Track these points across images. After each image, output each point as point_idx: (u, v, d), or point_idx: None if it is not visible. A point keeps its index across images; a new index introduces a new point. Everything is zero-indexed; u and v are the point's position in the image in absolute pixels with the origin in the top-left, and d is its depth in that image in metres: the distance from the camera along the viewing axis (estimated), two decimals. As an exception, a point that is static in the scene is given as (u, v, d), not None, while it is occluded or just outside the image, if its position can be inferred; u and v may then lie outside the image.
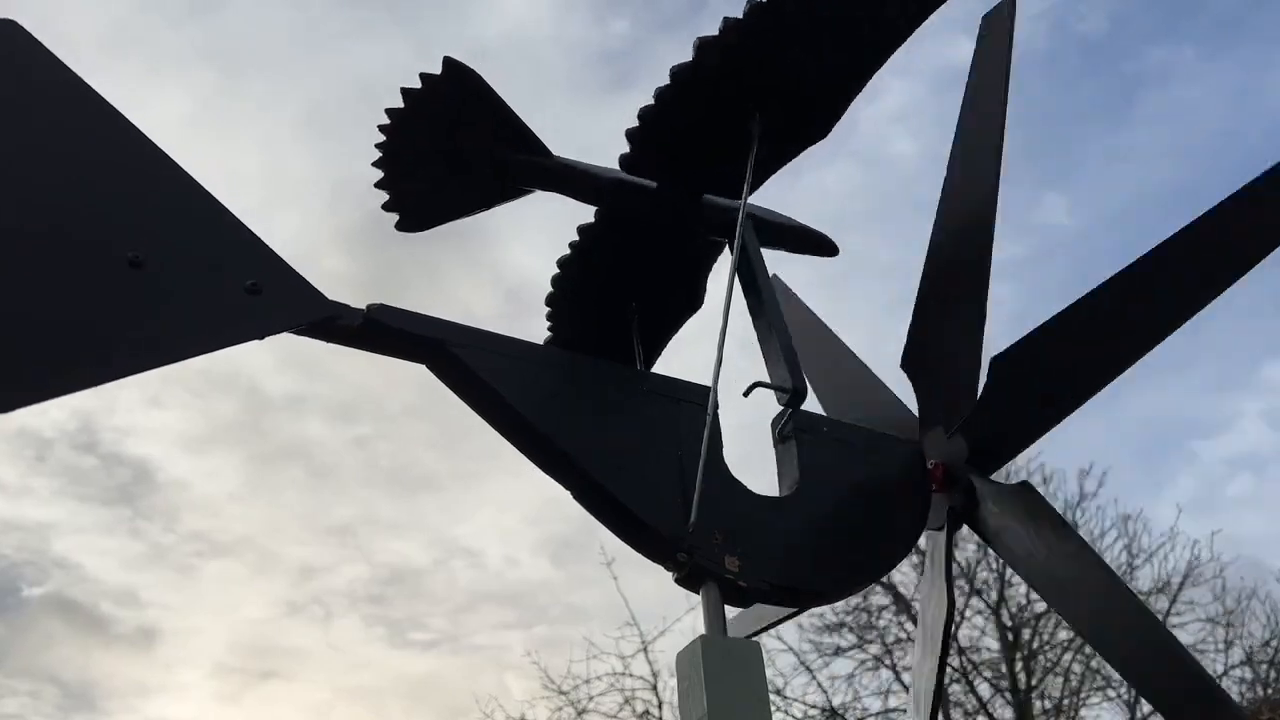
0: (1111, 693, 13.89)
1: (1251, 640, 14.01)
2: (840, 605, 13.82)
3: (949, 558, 2.60)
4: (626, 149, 2.45)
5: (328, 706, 18.27)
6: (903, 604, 14.27)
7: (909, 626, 14.26)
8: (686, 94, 2.34)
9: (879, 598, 14.14)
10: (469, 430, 2.34)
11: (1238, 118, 20.18)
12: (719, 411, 2.28)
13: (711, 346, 2.27)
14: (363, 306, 2.02)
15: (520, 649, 22.46)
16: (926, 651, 2.61)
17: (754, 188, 2.53)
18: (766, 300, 2.45)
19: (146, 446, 17.51)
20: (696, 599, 2.13)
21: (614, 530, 2.15)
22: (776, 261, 2.82)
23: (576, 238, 2.70)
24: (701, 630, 2.08)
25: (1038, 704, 14.11)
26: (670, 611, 15.49)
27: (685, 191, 2.55)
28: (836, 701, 14.02)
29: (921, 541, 2.61)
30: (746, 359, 2.51)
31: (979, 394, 2.53)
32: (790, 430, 2.39)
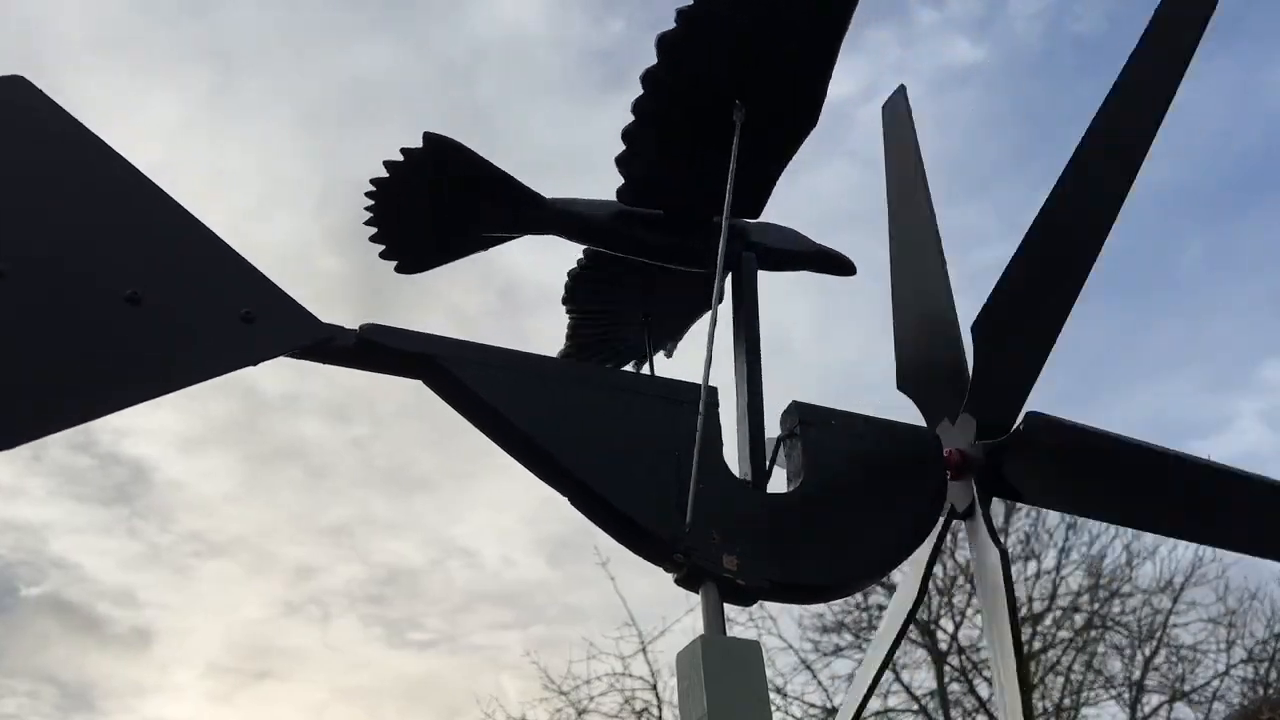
0: (1112, 692, 13.91)
1: (1252, 639, 14.02)
2: (840, 605, 13.86)
3: (938, 548, 2.62)
4: (622, 166, 2.45)
5: (325, 706, 18.28)
6: (903, 604, 14.26)
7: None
8: (663, 95, 2.33)
9: (879, 597, 14.16)
10: (465, 430, 2.36)
11: (1235, 117, 20.21)
12: (718, 411, 2.28)
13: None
14: (355, 326, 2.08)
15: (518, 649, 22.50)
16: (880, 644, 2.75)
17: (760, 195, 2.53)
18: (752, 375, 2.43)
19: (143, 447, 17.53)
20: (696, 599, 2.13)
21: (612, 534, 2.16)
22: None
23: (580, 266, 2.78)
24: (701, 630, 2.08)
25: (1038, 704, 14.10)
26: (669, 611, 15.50)
27: (692, 217, 2.54)
28: (836, 701, 14.02)
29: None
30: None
31: (971, 369, 2.61)
32: (795, 425, 2.39)
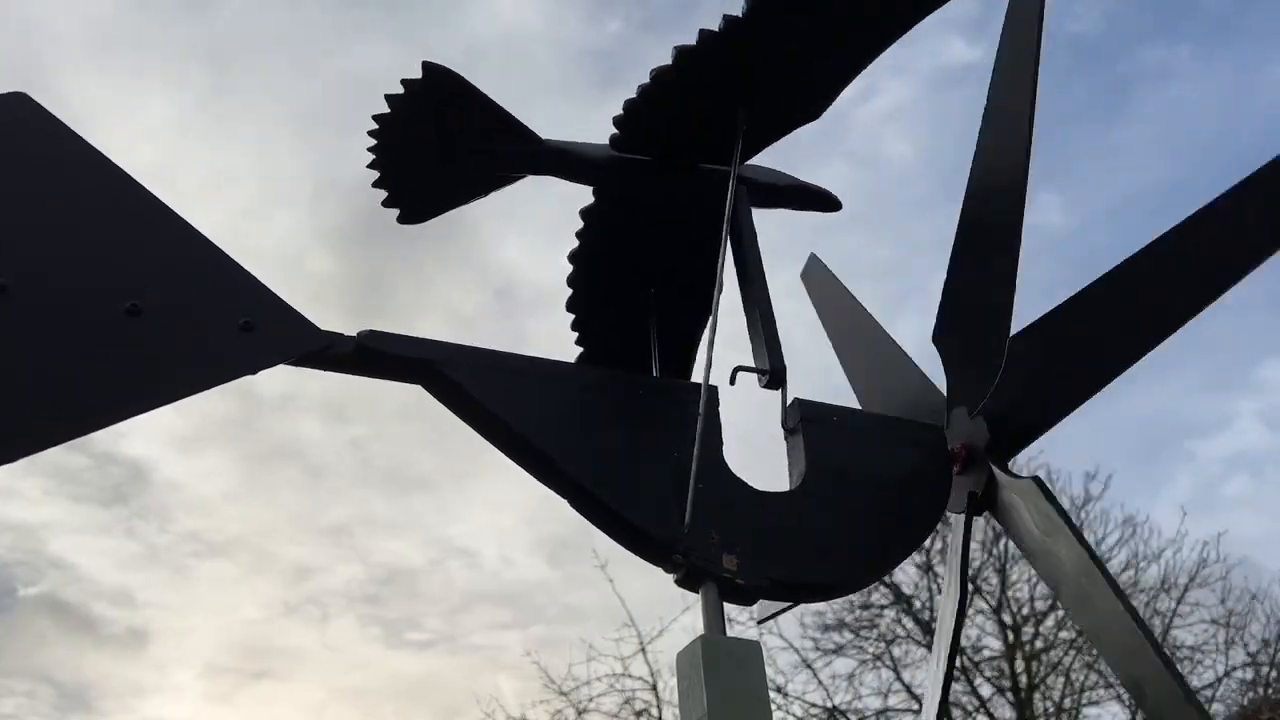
0: (1114, 692, 13.89)
1: (1253, 641, 14.01)
2: (840, 603, 13.84)
3: (967, 543, 2.57)
4: (622, 123, 2.47)
5: (323, 707, 18.28)
6: (904, 602, 14.28)
7: (909, 625, 14.27)
8: (679, 78, 2.36)
9: (880, 596, 14.16)
10: (464, 430, 2.38)
11: (1231, 117, 20.20)
12: (718, 411, 2.28)
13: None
14: (354, 333, 2.09)
15: (517, 649, 22.46)
16: (940, 645, 2.59)
17: (745, 159, 2.54)
18: (753, 275, 2.46)
19: (141, 447, 17.50)
20: (694, 598, 2.13)
21: (612, 536, 2.16)
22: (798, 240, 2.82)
23: (578, 241, 2.72)
24: (701, 630, 2.07)
25: (1039, 704, 14.10)
26: (668, 611, 15.48)
27: (680, 162, 2.56)
28: (837, 700, 14.04)
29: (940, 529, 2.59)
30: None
31: (999, 375, 2.49)
32: (797, 422, 2.38)
